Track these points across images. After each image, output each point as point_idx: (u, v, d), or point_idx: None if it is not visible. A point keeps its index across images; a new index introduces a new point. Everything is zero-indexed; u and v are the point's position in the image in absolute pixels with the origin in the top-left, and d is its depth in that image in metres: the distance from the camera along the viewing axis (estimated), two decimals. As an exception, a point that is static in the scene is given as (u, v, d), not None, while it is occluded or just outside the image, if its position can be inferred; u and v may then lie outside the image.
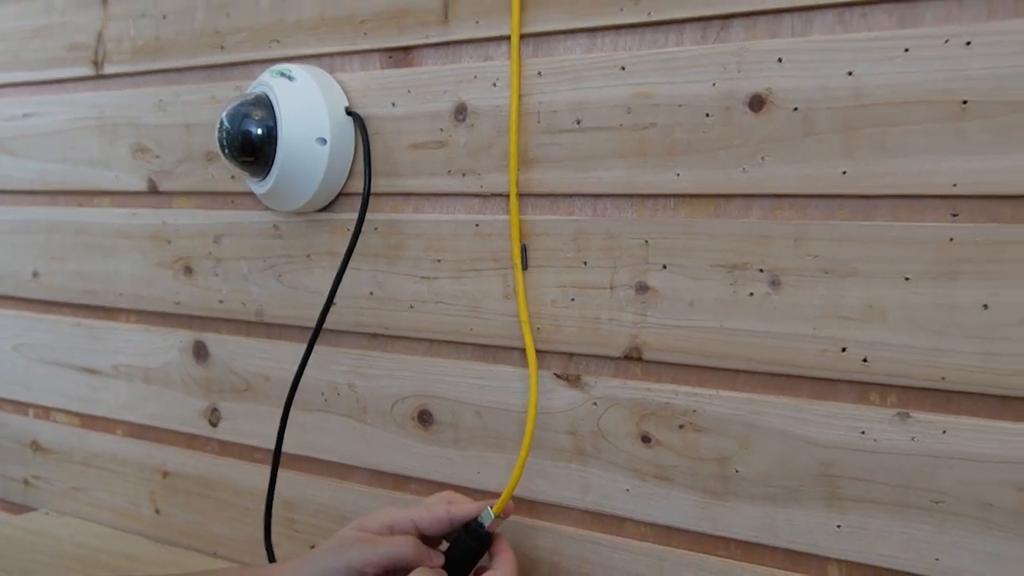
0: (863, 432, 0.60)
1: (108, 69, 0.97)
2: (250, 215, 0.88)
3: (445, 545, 0.68)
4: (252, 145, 0.77)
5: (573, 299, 0.70)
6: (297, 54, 0.83)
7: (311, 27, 0.82)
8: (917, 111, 0.57)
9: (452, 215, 0.76)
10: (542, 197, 0.72)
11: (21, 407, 1.10)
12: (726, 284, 0.64)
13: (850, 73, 0.59)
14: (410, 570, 0.63)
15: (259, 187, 0.81)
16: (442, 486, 0.77)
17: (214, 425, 0.92)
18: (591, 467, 0.71)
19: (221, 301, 0.90)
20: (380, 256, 0.79)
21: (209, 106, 0.89)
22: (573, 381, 0.71)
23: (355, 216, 0.76)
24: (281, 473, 0.83)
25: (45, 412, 1.08)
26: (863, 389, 0.61)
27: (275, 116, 0.77)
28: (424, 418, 0.79)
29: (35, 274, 1.06)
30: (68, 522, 1.04)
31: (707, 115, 0.64)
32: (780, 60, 0.61)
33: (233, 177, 0.88)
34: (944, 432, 0.58)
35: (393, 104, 0.78)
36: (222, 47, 0.88)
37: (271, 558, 0.81)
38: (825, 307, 0.61)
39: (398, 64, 0.79)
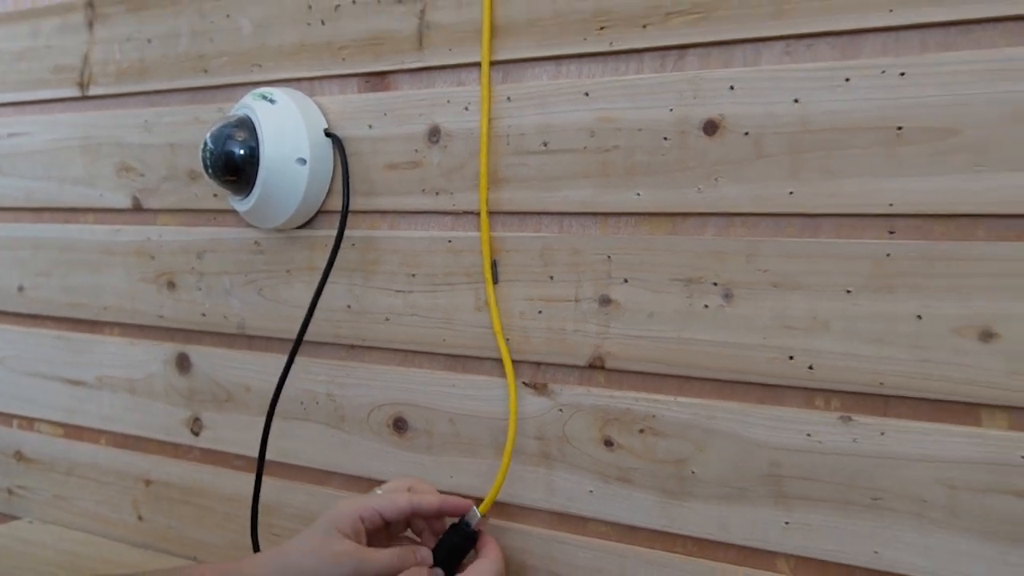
0: (809, 435, 0.64)
1: (93, 90, 0.99)
2: (232, 232, 0.90)
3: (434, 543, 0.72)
4: (235, 165, 0.79)
5: (540, 311, 0.73)
6: (278, 78, 0.86)
7: (292, 52, 0.85)
8: (857, 136, 0.61)
9: (426, 232, 0.78)
10: (511, 215, 0.75)
11: (6, 418, 1.10)
12: (683, 297, 0.67)
13: (796, 100, 0.63)
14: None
15: (241, 205, 0.82)
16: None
17: (196, 434, 0.94)
18: (557, 470, 0.73)
19: (204, 315, 0.92)
20: (357, 271, 0.82)
21: (193, 127, 0.91)
22: (541, 389, 0.74)
23: (334, 232, 0.78)
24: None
25: (29, 423, 1.08)
26: (809, 395, 0.64)
27: (257, 137, 0.79)
28: (399, 425, 0.81)
29: (20, 289, 1.06)
30: (52, 530, 1.04)
31: (665, 139, 0.67)
32: (732, 88, 0.65)
33: (216, 195, 0.90)
34: (883, 434, 0.61)
35: (370, 126, 0.80)
36: (206, 71, 0.90)
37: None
38: (774, 318, 0.64)
39: (375, 88, 0.81)
